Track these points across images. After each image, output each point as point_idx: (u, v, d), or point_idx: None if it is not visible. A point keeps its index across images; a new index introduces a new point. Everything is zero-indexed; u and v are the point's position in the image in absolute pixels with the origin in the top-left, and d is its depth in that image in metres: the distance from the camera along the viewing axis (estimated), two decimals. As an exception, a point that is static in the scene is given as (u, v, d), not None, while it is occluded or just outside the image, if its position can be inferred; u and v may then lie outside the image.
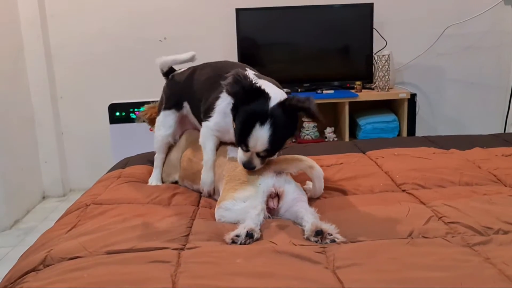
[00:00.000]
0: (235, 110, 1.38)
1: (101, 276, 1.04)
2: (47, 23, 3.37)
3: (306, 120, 3.31)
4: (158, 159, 1.79)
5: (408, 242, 1.17)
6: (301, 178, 1.51)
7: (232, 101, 1.39)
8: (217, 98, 1.51)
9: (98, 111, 3.31)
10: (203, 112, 1.58)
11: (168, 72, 1.83)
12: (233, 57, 3.22)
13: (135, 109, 3.06)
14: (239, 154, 1.41)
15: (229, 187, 1.40)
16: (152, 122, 1.89)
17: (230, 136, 1.50)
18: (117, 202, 1.50)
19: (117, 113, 3.08)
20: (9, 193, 3.00)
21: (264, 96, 1.33)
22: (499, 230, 1.21)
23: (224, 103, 1.49)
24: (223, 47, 3.32)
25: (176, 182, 1.75)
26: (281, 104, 1.34)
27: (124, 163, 2.02)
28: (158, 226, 1.31)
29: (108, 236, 1.23)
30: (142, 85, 3.34)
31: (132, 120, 3.06)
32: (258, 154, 1.37)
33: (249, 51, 3.33)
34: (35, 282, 1.06)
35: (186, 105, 1.73)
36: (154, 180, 1.76)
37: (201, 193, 1.61)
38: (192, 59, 1.80)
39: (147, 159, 1.96)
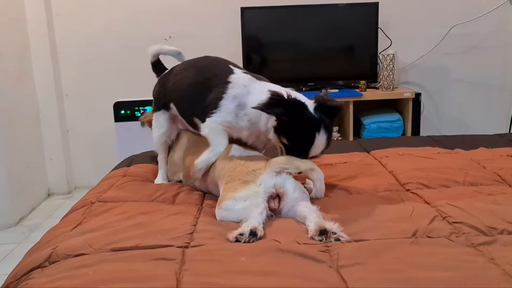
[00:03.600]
0: (281, 126, 1.43)
1: (106, 273, 1.05)
2: (53, 22, 3.38)
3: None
4: (160, 159, 1.81)
5: (412, 242, 1.16)
6: (301, 177, 1.50)
7: (274, 118, 1.44)
8: (220, 98, 1.52)
9: (103, 109, 3.32)
10: (202, 111, 1.57)
11: (156, 64, 1.91)
12: (238, 56, 3.23)
13: (140, 108, 3.08)
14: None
15: (229, 187, 1.39)
16: (151, 124, 1.91)
17: (240, 135, 1.55)
18: (121, 200, 1.50)
19: (122, 111, 3.10)
20: (15, 190, 3.01)
21: (301, 105, 1.42)
22: (503, 230, 1.21)
23: (232, 104, 1.51)
24: (228, 46, 3.32)
25: (181, 181, 1.76)
26: (318, 107, 1.45)
27: (129, 161, 2.03)
28: (162, 224, 1.32)
29: (113, 234, 1.24)
30: (147, 83, 3.31)
31: (137, 119, 3.07)
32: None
33: (254, 50, 3.33)
34: (40, 278, 1.07)
35: (173, 106, 1.74)
36: (160, 180, 1.77)
37: (204, 192, 1.61)
38: (179, 56, 1.87)
39: (152, 157, 1.97)
